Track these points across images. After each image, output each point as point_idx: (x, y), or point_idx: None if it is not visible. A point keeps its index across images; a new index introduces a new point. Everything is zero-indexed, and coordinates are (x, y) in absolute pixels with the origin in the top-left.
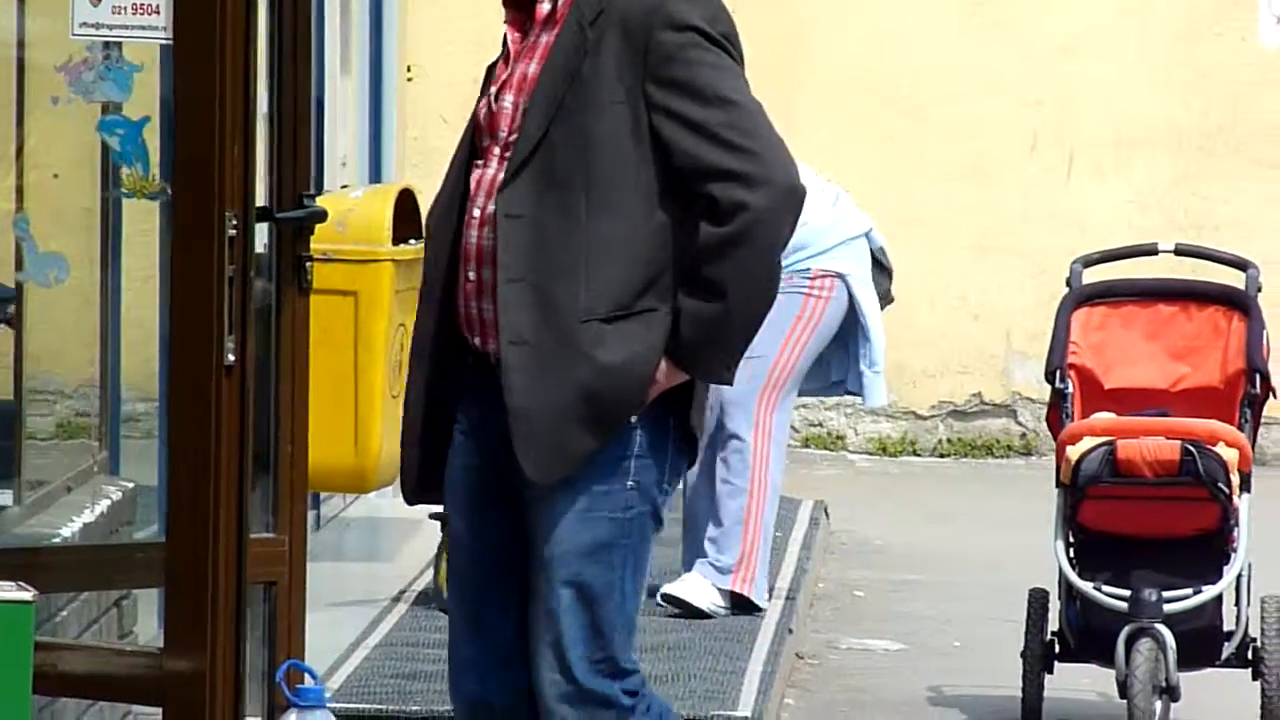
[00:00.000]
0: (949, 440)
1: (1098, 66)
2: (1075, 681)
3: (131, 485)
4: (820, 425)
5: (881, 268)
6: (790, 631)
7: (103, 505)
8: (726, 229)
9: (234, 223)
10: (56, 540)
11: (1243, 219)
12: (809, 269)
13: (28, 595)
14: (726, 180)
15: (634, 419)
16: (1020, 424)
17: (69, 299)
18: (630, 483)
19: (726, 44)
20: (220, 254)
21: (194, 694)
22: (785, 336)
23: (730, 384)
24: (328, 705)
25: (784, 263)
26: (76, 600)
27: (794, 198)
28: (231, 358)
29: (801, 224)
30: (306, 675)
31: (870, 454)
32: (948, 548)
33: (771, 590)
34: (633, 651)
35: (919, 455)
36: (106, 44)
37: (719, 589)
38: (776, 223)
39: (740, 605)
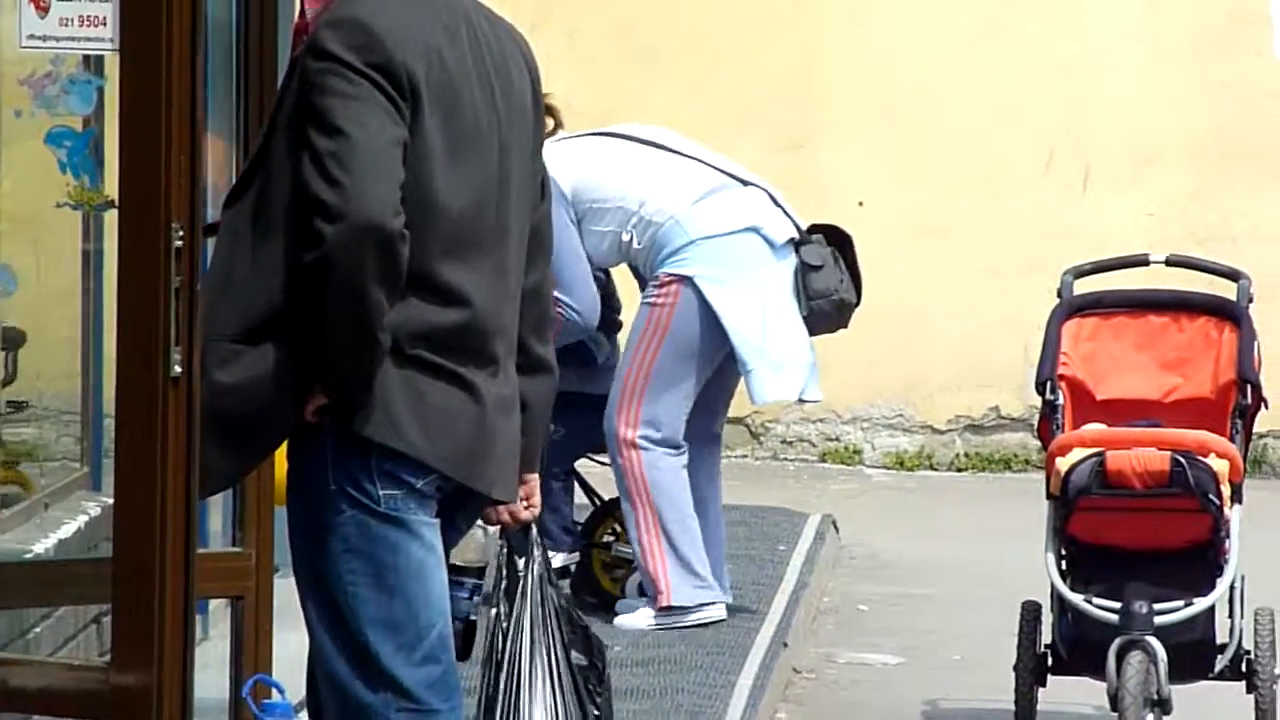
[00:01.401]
0: (966, 454)
1: (1112, 82)
2: (1070, 694)
3: (111, 501)
4: (837, 440)
5: (816, 269)
6: (785, 645)
7: (80, 521)
8: (308, 258)
9: (180, 233)
10: (27, 556)
11: (1261, 230)
12: (658, 275)
13: None
14: (315, 210)
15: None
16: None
17: (52, 312)
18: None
19: (376, 75)
20: (166, 265)
21: (140, 709)
22: (634, 349)
23: (350, 417)
24: None
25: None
26: (50, 618)
27: (370, 233)
28: (179, 369)
29: (665, 219)
30: (274, 690)
31: (887, 468)
32: (958, 561)
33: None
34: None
35: (936, 470)
36: (62, 57)
37: (651, 609)
38: (349, 257)
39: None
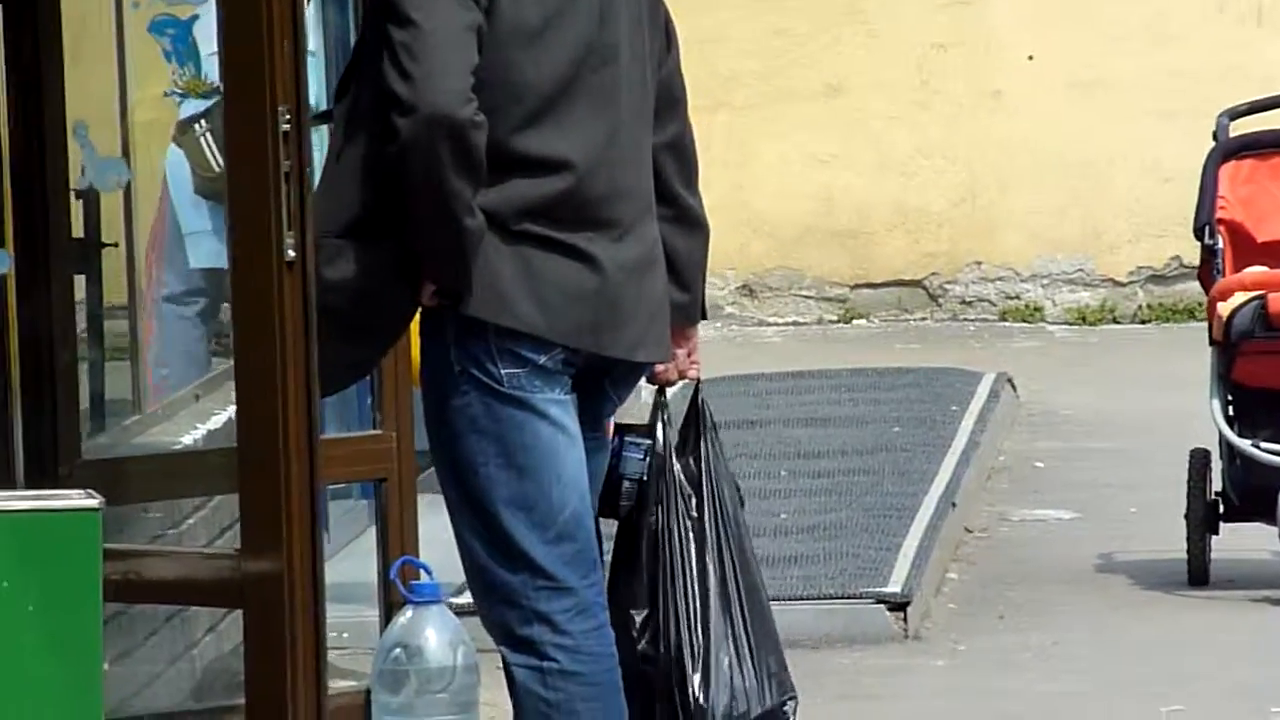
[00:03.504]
0: (1149, 306)
1: None
2: (1243, 543)
3: None
4: (1017, 298)
5: None
6: (953, 505)
7: (229, 412)
8: (389, 151)
9: (287, 117)
10: (179, 446)
11: None
12: None
13: (94, 503)
14: (391, 103)
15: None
16: None
17: None
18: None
19: None
20: (275, 149)
21: (272, 595)
22: None
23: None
24: (445, 600)
25: None
26: (204, 509)
27: (440, 124)
28: (292, 254)
29: None
30: (421, 571)
31: (1069, 324)
32: (1139, 414)
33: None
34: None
35: (1119, 323)
36: None
37: None
38: (423, 150)
39: None
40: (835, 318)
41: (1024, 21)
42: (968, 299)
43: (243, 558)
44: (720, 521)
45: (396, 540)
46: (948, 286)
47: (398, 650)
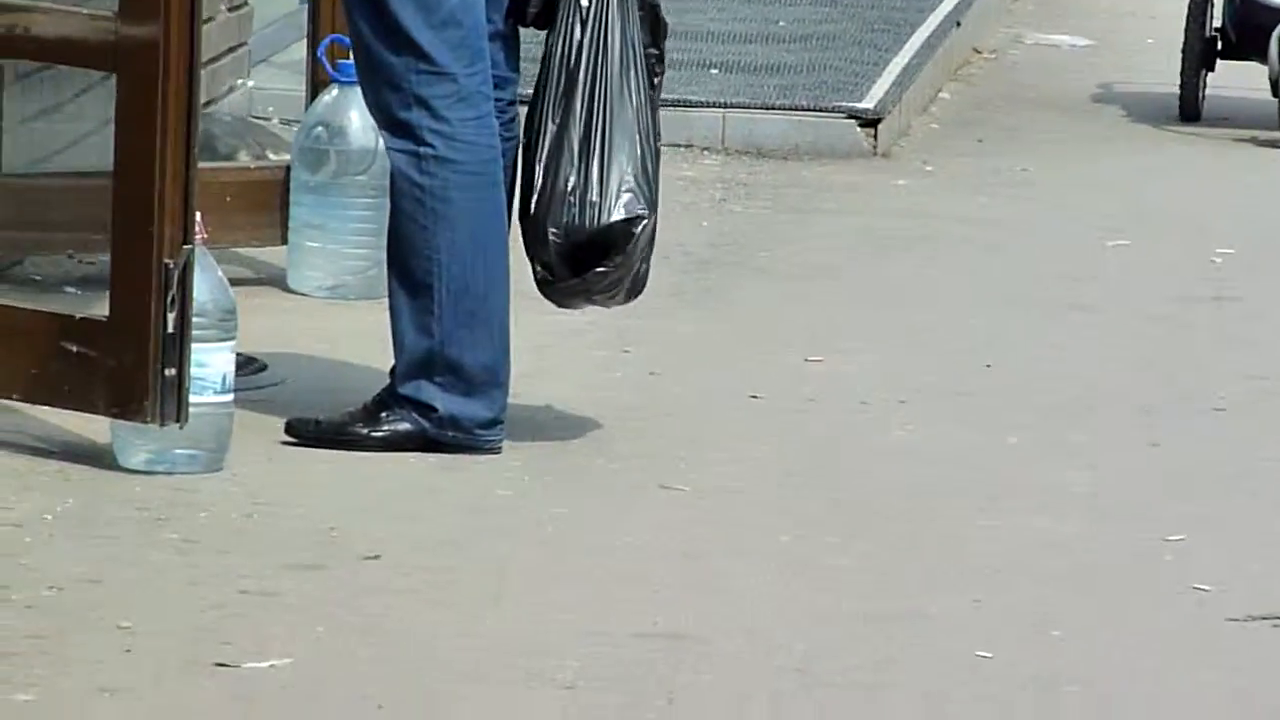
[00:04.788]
0: None
1: None
2: (1236, 79)
3: None
4: None
5: None
6: (958, 24)
7: None
8: None
9: None
10: None
11: None
12: None
13: None
14: None
15: None
16: None
17: None
18: None
19: None
20: None
21: (147, 60)
22: None
23: None
24: None
25: None
26: None
27: None
28: None
29: None
30: (350, 51)
31: None
32: None
33: None
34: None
35: None
36: None
37: None
38: None
39: None
40: None
41: None
42: None
43: (120, 21)
44: (603, 36)
45: (328, 18)
46: None
47: (319, 129)
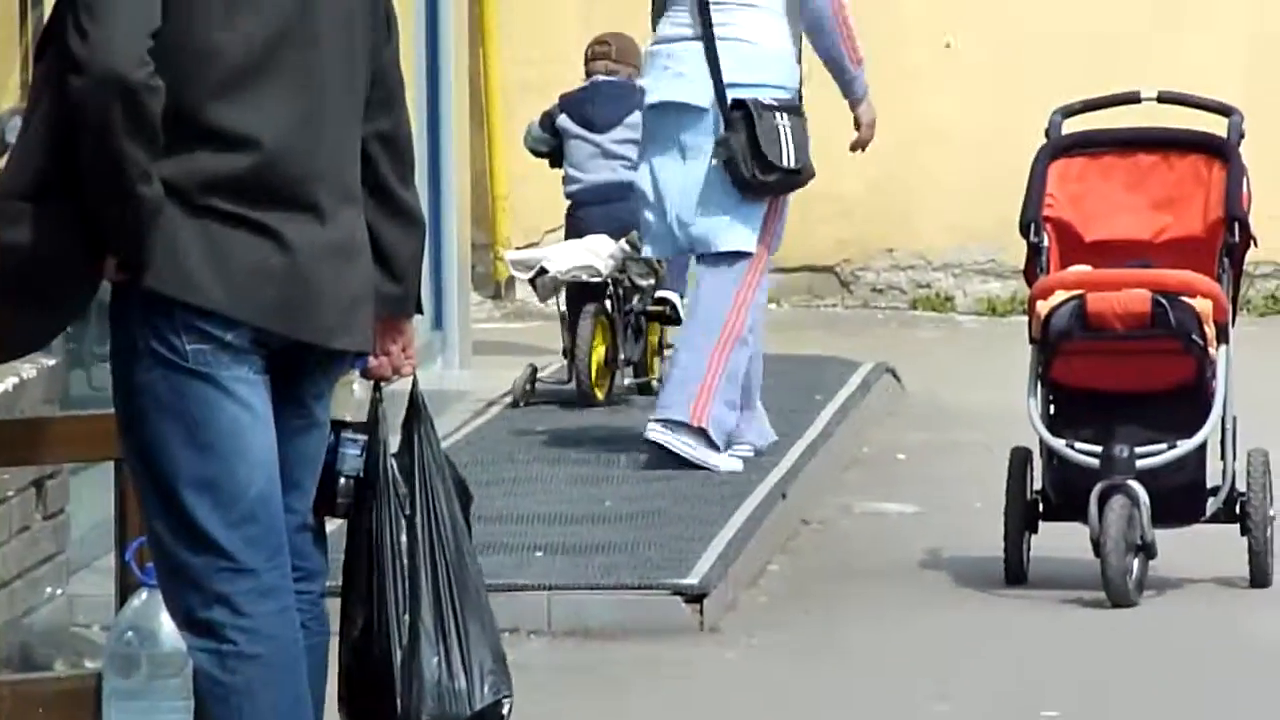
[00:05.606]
0: None
1: None
2: (1064, 541)
3: None
4: (928, 287)
5: None
6: (783, 496)
7: None
8: (64, 112)
9: None
10: None
11: None
12: None
13: None
14: (65, 62)
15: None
16: None
17: None
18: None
19: None
20: None
21: None
22: None
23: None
24: None
25: None
26: None
27: (111, 86)
28: None
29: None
30: None
31: (979, 314)
32: (1018, 408)
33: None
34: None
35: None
36: None
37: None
38: (94, 110)
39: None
40: None
41: (939, 8)
42: (879, 286)
43: None
44: (434, 520)
45: (135, 521)
46: (859, 274)
47: (130, 633)
